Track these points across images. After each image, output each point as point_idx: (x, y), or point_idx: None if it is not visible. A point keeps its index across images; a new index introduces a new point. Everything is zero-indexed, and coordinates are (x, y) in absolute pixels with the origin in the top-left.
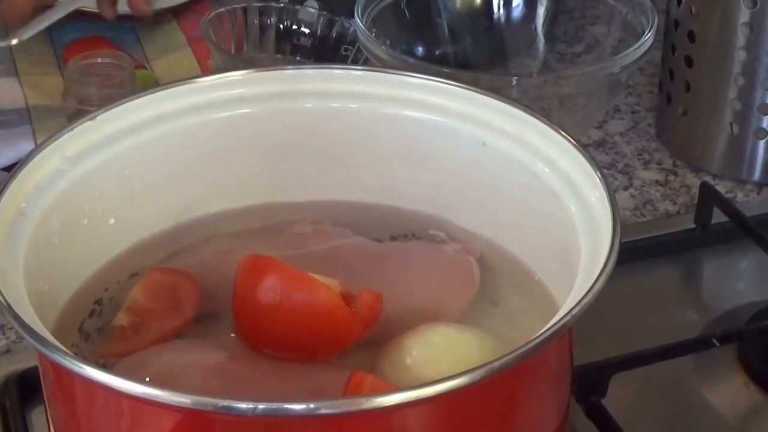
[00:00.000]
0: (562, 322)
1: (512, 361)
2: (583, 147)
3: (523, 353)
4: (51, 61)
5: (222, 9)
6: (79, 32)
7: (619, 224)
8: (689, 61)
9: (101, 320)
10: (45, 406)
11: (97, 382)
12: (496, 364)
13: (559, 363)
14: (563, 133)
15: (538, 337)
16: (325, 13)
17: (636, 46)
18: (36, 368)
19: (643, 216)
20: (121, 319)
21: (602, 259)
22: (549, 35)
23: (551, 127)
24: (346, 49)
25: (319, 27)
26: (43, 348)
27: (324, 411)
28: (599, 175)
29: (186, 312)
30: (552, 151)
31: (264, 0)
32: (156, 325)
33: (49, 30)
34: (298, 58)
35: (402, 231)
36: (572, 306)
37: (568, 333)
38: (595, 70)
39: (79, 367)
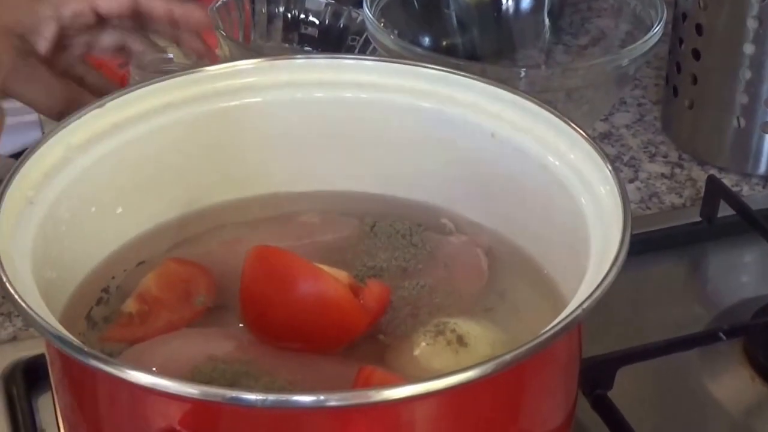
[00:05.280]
0: (573, 315)
1: (523, 355)
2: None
3: (534, 347)
4: None
5: None
6: None
7: (630, 218)
8: (696, 54)
9: (108, 308)
10: (52, 393)
11: (106, 372)
12: (507, 357)
13: (568, 356)
14: (574, 125)
15: (549, 330)
16: (332, 2)
17: (645, 38)
18: (42, 356)
19: (649, 209)
20: (130, 305)
21: (613, 253)
22: (555, 27)
23: (561, 119)
24: (353, 39)
25: (326, 16)
26: (51, 338)
27: (333, 403)
28: (609, 168)
29: (197, 306)
30: (562, 143)
31: None
32: (164, 315)
33: None
34: (305, 47)
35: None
36: (583, 299)
37: (577, 326)
38: (603, 62)
39: (88, 357)
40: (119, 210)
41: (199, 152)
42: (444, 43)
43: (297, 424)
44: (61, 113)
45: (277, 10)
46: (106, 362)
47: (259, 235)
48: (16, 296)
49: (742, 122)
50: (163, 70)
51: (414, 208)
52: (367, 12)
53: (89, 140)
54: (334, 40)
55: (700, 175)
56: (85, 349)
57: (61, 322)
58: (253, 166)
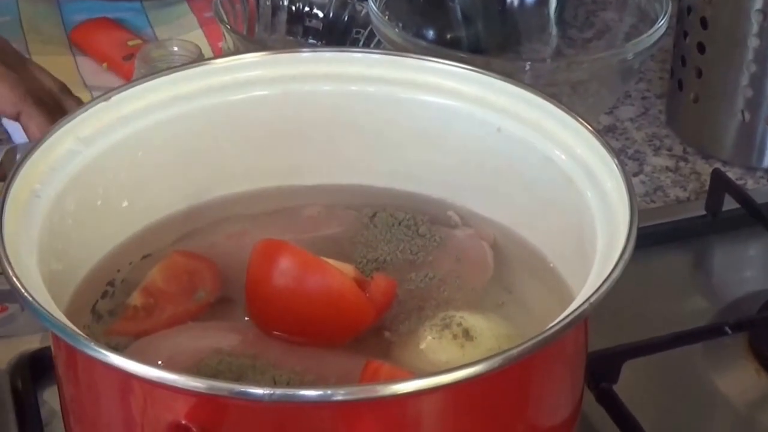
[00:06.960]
0: (580, 310)
1: (530, 349)
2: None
3: (540, 341)
4: (62, 41)
5: None
6: (88, 13)
7: (637, 212)
8: (701, 48)
9: (113, 302)
10: (57, 386)
11: (112, 365)
12: (514, 351)
13: (575, 350)
14: (580, 119)
15: (555, 324)
16: None
17: (649, 32)
18: (48, 348)
19: (654, 202)
20: (136, 298)
21: (619, 247)
22: (560, 20)
23: (568, 113)
24: (357, 32)
25: (331, 9)
26: (57, 330)
27: (340, 397)
28: (616, 162)
29: (198, 301)
30: (568, 137)
31: None
32: (170, 308)
33: (60, 10)
34: (310, 40)
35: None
36: (590, 294)
37: (584, 320)
38: (608, 56)
39: (94, 350)
40: (125, 203)
41: (205, 145)
42: (448, 36)
43: (303, 418)
44: None
45: (281, 3)
46: (111, 356)
47: (264, 228)
48: (22, 289)
49: (747, 116)
50: (168, 64)
51: (420, 201)
52: (371, 5)
53: (95, 133)
54: (339, 32)
55: (705, 169)
56: (91, 342)
57: (66, 315)
58: (258, 159)
